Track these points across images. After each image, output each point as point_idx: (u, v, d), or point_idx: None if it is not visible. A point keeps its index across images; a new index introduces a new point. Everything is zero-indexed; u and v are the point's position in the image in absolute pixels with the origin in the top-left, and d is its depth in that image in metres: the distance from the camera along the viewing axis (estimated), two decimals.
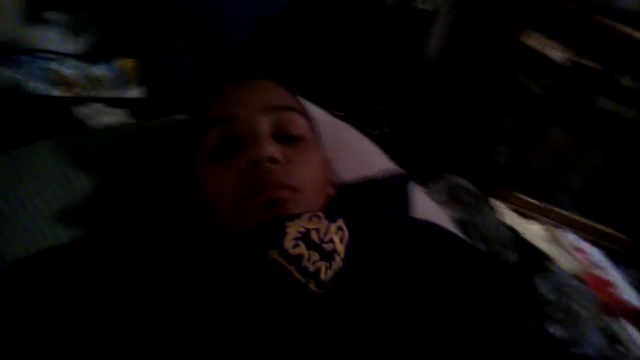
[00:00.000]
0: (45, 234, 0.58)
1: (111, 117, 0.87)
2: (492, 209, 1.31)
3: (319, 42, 1.56)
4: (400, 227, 0.55)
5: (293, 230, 0.48)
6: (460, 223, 1.19)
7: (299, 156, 0.56)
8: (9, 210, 0.57)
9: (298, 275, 0.45)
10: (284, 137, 0.57)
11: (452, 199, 1.30)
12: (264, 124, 0.56)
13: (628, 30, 1.35)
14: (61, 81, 1.24)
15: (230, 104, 0.57)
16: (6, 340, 0.42)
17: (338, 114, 1.04)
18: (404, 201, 0.76)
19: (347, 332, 0.41)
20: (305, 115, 0.64)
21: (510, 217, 1.39)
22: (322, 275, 0.46)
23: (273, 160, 0.53)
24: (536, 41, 1.54)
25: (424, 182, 1.27)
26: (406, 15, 1.68)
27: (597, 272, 1.28)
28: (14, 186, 0.59)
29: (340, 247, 0.49)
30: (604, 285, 1.23)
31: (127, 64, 1.31)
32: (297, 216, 0.50)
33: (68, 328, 0.42)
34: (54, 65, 1.24)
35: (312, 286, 0.45)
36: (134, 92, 1.31)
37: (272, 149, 0.53)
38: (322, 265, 0.47)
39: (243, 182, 0.53)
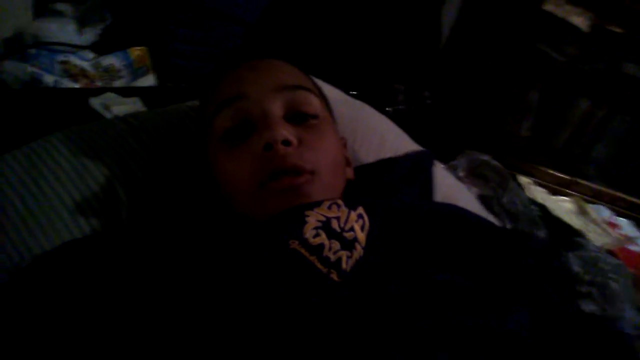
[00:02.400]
0: (64, 225, 0.58)
1: (125, 106, 0.87)
2: (517, 184, 1.28)
3: (331, 20, 1.53)
4: (419, 213, 0.53)
5: (313, 219, 0.47)
6: (485, 200, 1.16)
7: (314, 137, 0.54)
8: (27, 203, 0.57)
9: (320, 266, 0.44)
10: (297, 117, 0.55)
11: (475, 175, 1.27)
12: (277, 105, 0.54)
13: None
14: (75, 73, 1.24)
15: (241, 84, 0.55)
16: (25, 340, 0.42)
17: (353, 93, 1.02)
18: (426, 182, 0.74)
19: (370, 321, 0.40)
20: (319, 94, 0.61)
21: (538, 193, 1.35)
22: (344, 265, 0.45)
23: (287, 142, 0.51)
24: (557, 7, 1.47)
25: (445, 160, 1.24)
26: None
27: (630, 246, 1.24)
28: (31, 179, 0.59)
29: (362, 236, 0.48)
30: (639, 259, 1.19)
31: (138, 52, 1.30)
32: (316, 204, 0.49)
33: (91, 324, 0.42)
34: (66, 57, 1.24)
35: (334, 276, 0.44)
36: (146, 80, 1.30)
37: (286, 131, 0.51)
38: (344, 254, 0.46)
39: (258, 167, 0.51)
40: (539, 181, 1.49)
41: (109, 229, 0.59)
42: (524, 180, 1.42)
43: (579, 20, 1.46)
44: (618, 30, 1.42)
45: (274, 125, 0.51)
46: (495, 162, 1.28)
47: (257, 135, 0.52)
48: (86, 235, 0.58)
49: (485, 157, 1.29)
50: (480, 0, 1.64)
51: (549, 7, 1.47)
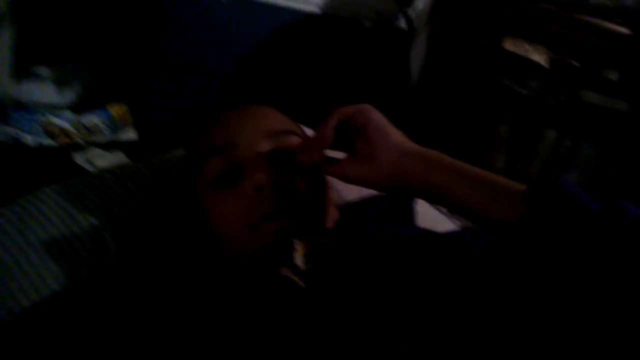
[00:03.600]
0: (53, 278, 0.57)
1: (108, 160, 0.88)
2: None
3: (305, 69, 1.59)
4: (398, 246, 0.54)
5: (302, 247, 0.48)
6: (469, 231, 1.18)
7: (302, 179, 0.56)
8: (15, 257, 0.57)
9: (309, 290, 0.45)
10: (286, 160, 0.57)
11: None
12: (266, 149, 0.56)
13: (605, 24, 1.38)
14: (55, 132, 1.25)
15: (230, 130, 0.57)
16: None
17: None
18: (407, 218, 0.75)
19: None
20: (305, 137, 0.64)
21: None
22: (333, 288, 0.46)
23: (277, 184, 0.53)
24: (517, 46, 1.56)
25: None
26: (385, 36, 1.71)
27: None
28: (19, 233, 0.59)
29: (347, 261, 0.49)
30: None
31: (118, 108, 1.32)
32: (304, 234, 0.50)
33: None
34: (46, 118, 1.25)
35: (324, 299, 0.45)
36: (128, 135, 1.32)
37: (275, 173, 0.53)
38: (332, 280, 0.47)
39: (250, 209, 0.52)
40: None
41: (98, 277, 0.58)
42: None
43: (538, 56, 1.55)
44: (576, 64, 1.51)
45: (263, 167, 0.53)
46: None
47: (247, 178, 0.53)
48: (75, 285, 0.57)
49: None
50: (444, 45, 1.73)
51: (509, 46, 1.56)
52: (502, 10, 1.48)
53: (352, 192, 0.87)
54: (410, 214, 0.75)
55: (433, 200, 0.51)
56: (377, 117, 0.52)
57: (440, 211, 1.25)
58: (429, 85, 1.83)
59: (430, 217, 0.91)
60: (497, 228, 0.45)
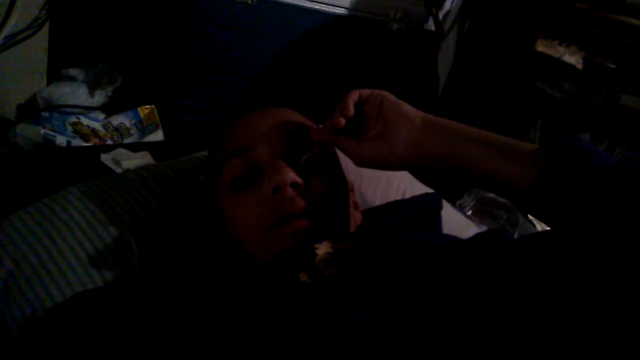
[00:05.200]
0: (77, 278, 0.58)
1: (135, 160, 0.89)
2: (527, 220, 1.27)
3: (332, 71, 1.58)
4: (419, 251, 0.52)
5: (323, 251, 0.47)
6: None
7: (321, 180, 0.55)
8: (41, 257, 0.58)
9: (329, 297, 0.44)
10: (304, 161, 0.56)
11: (483, 213, 1.26)
12: (283, 150, 0.55)
13: None
14: (86, 133, 1.28)
15: (248, 133, 0.57)
16: None
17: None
18: (433, 224, 0.73)
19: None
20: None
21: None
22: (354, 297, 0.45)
23: (295, 184, 0.52)
24: (549, 47, 1.52)
25: (452, 199, 1.24)
26: (413, 38, 1.70)
27: None
28: (45, 233, 0.60)
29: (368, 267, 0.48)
30: None
31: (147, 110, 1.34)
32: (325, 237, 0.49)
33: None
34: (78, 119, 1.28)
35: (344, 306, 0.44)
36: (155, 136, 1.34)
37: (293, 174, 0.52)
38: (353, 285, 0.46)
39: (267, 211, 0.51)
40: None
41: (121, 279, 0.59)
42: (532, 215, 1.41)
43: (572, 58, 1.50)
44: (611, 65, 1.46)
45: (281, 168, 0.52)
46: (502, 199, 1.27)
47: (265, 179, 0.52)
48: (98, 286, 0.58)
49: (492, 195, 1.29)
50: (474, 46, 1.70)
51: (541, 47, 1.51)
52: (534, 10, 1.44)
53: (375, 196, 0.86)
54: (436, 219, 0.73)
55: (450, 170, 0.51)
56: (392, 96, 0.55)
57: (465, 215, 1.23)
58: (457, 87, 1.80)
59: (455, 222, 0.89)
60: (513, 190, 0.46)
